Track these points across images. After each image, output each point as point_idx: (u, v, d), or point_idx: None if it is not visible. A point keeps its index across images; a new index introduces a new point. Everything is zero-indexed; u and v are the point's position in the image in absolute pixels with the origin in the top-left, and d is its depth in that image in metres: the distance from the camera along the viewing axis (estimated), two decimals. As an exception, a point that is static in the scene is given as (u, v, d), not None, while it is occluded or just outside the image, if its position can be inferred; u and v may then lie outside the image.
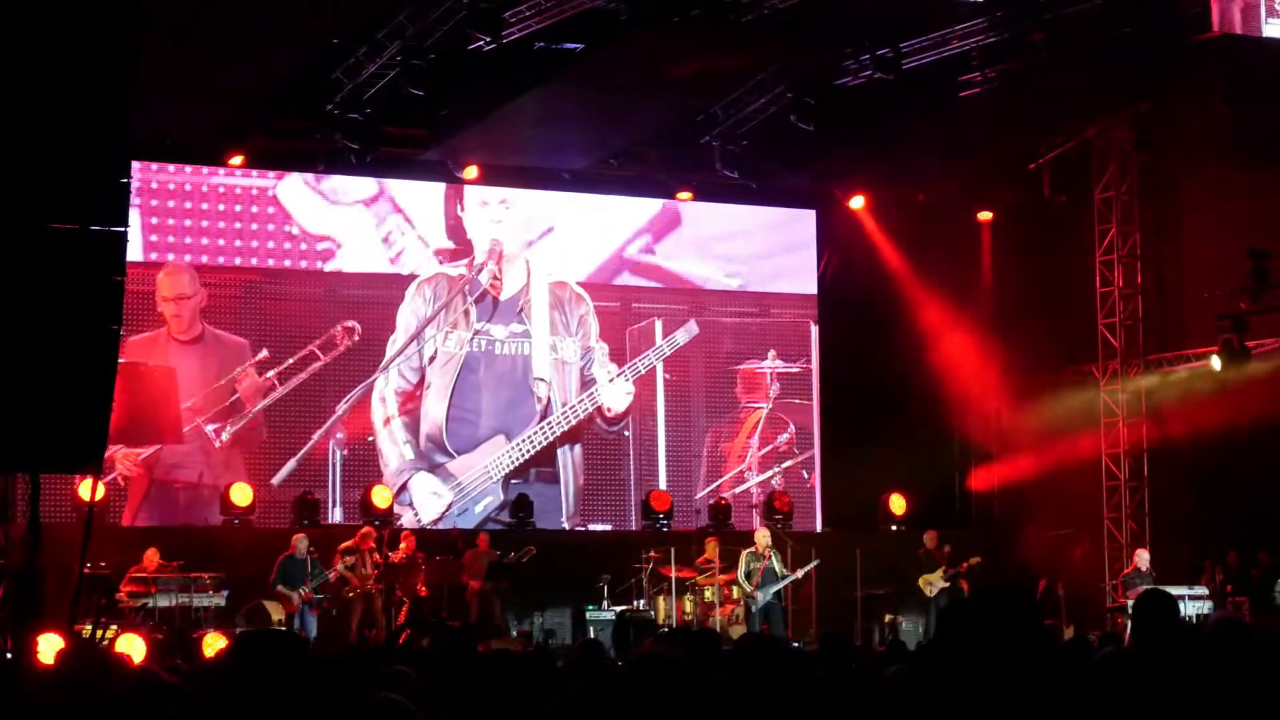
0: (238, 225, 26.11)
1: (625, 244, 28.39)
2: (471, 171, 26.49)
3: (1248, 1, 21.15)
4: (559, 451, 27.44)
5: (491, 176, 26.88)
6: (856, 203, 28.92)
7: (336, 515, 25.79)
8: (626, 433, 28.10)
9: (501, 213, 27.38)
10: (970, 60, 23.43)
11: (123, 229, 10.70)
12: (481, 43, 21.47)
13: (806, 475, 28.96)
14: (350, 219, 26.70)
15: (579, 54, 22.34)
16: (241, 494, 24.70)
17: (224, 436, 25.42)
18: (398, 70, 22.45)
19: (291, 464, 25.71)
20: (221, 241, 26.02)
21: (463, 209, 27.22)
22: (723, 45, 22.39)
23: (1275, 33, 21.29)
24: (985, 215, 29.40)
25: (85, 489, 21.81)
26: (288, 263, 26.43)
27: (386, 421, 26.34)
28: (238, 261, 26.14)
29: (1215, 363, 26.13)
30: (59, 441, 10.74)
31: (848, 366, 28.66)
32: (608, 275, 28.22)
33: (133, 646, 19.32)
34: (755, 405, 29.04)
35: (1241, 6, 21.06)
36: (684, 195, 28.25)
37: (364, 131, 24.13)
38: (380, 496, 25.25)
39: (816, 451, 29.15)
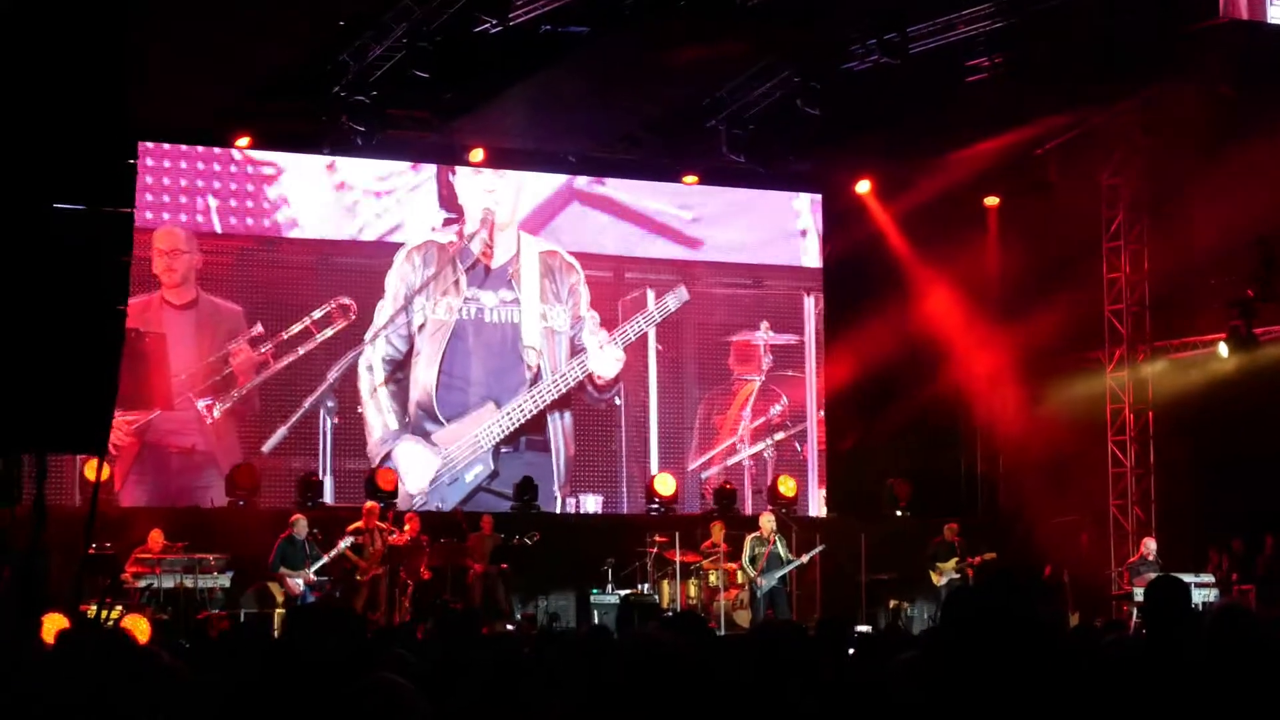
0: (233, 187, 26.14)
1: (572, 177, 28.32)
2: (477, 154, 26.50)
3: (1255, -12, 21.13)
4: (549, 419, 27.43)
5: (497, 160, 26.88)
6: (862, 187, 28.89)
7: (328, 485, 25.77)
8: (618, 401, 28.07)
9: (494, 181, 27.38)
10: (977, 45, 23.38)
11: (129, 210, 10.69)
12: (488, 25, 21.45)
13: (799, 447, 28.93)
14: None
15: (585, 38, 22.31)
16: (248, 475, 24.73)
17: (215, 413, 25.42)
18: (404, 53, 22.43)
19: (282, 431, 25.73)
20: (214, 203, 26.03)
21: (454, 176, 27.23)
22: (729, 29, 22.35)
23: (1281, 18, 21.27)
24: (991, 200, 29.35)
25: (90, 469, 21.87)
26: (281, 229, 26.46)
27: (373, 391, 26.36)
28: (231, 222, 26.16)
29: (1223, 350, 26.09)
30: (64, 422, 10.73)
31: (853, 352, 28.61)
32: (556, 208, 28.10)
33: (137, 627, 19.33)
34: (748, 377, 28.98)
35: (1247, 8, 21.04)
36: (690, 179, 28.24)
37: (370, 114, 24.12)
38: (385, 479, 25.22)
39: (811, 425, 29.11)
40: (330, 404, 26.18)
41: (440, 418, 26.66)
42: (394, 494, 25.08)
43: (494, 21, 21.29)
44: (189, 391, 25.41)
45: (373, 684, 5.55)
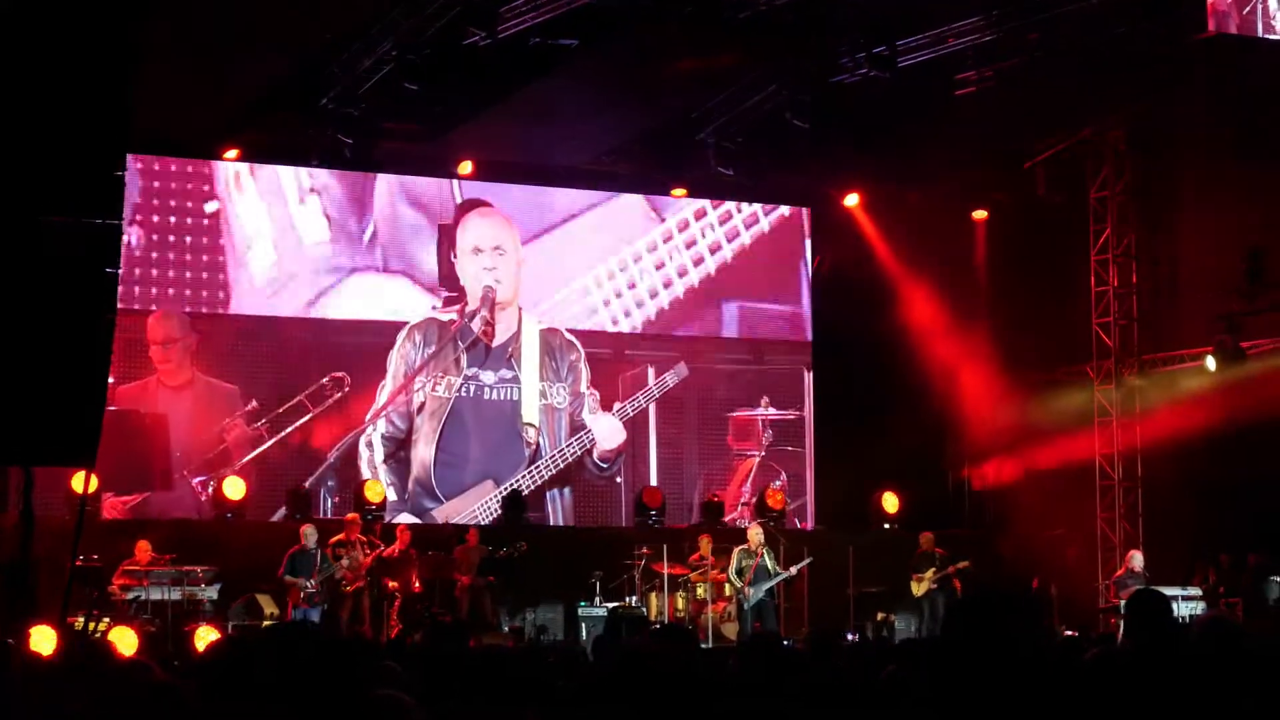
0: (225, 267, 26.12)
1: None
2: (466, 167, 26.50)
3: (1244, 16, 21.18)
4: (548, 496, 27.44)
5: (486, 172, 26.88)
6: (851, 200, 28.91)
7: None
8: (619, 480, 28.04)
9: (495, 260, 27.41)
10: (966, 59, 23.42)
11: (117, 221, 10.68)
12: (477, 38, 21.44)
13: (799, 524, 28.76)
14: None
15: (574, 50, 22.31)
16: (234, 488, 24.69)
17: (210, 489, 25.24)
18: (393, 65, 22.41)
19: (282, 512, 25.46)
20: (204, 291, 26.03)
21: (455, 256, 27.25)
22: (718, 42, 22.38)
23: (1271, 41, 21.35)
24: (980, 214, 29.39)
25: (78, 482, 21.82)
26: (273, 310, 26.41)
27: (374, 469, 26.30)
28: (224, 309, 26.16)
29: (1210, 363, 26.13)
30: (52, 434, 10.72)
31: (841, 365, 28.63)
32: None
33: (124, 639, 19.31)
34: (748, 453, 28.97)
35: (1238, 22, 21.10)
36: (678, 192, 28.25)
37: (359, 127, 24.11)
38: (373, 491, 25.23)
39: (809, 500, 29.11)
40: (330, 483, 26.18)
41: (438, 495, 26.65)
42: (381, 507, 25.07)
43: (483, 34, 21.28)
44: (184, 469, 25.38)
45: (376, 700, 5.54)
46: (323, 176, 26.46)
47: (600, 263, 28.34)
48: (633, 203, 28.61)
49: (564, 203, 28.14)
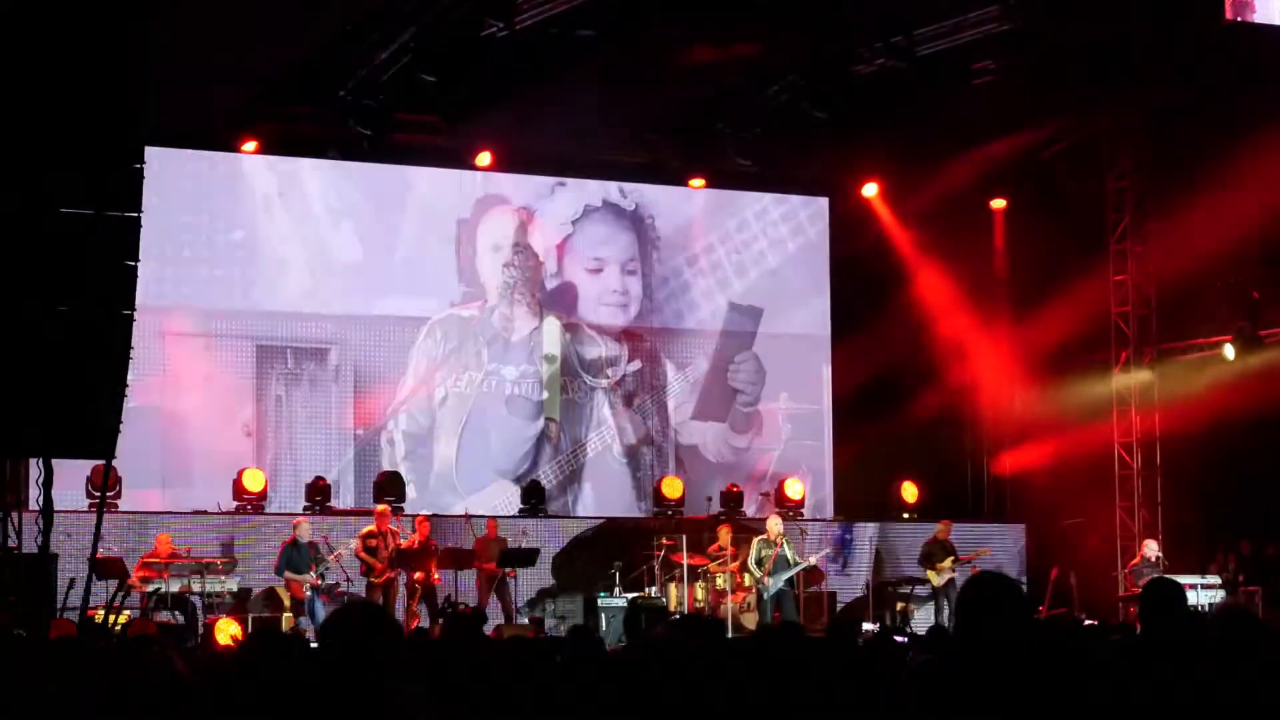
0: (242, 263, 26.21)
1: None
2: (484, 158, 26.50)
3: (1263, 3, 21.18)
4: (569, 490, 27.53)
5: (504, 163, 26.88)
6: (869, 190, 28.89)
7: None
8: (640, 475, 28.08)
9: (513, 256, 27.47)
10: (983, 48, 23.38)
11: (136, 214, 10.70)
12: (495, 29, 21.45)
13: (818, 516, 28.71)
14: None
15: (592, 40, 22.31)
16: (254, 479, 24.70)
17: (230, 486, 25.22)
18: (411, 56, 22.43)
19: (303, 504, 25.50)
20: (221, 281, 26.08)
21: (475, 253, 27.30)
22: (737, 32, 22.38)
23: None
24: (998, 203, 29.36)
25: (98, 475, 21.89)
26: (295, 306, 26.46)
27: (395, 464, 26.31)
28: (243, 304, 26.18)
29: (1228, 351, 26.09)
30: (72, 427, 10.75)
31: (860, 356, 28.60)
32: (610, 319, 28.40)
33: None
34: (767, 448, 28.99)
35: (1256, 9, 21.10)
36: (697, 183, 28.25)
37: (377, 118, 24.12)
38: (393, 482, 25.23)
39: (828, 493, 29.13)
40: (349, 478, 26.24)
41: (459, 490, 26.69)
42: (400, 497, 25.08)
43: (501, 25, 21.30)
44: (203, 467, 25.37)
45: (387, 690, 5.57)
46: (354, 198, 26.59)
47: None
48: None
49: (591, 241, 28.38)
